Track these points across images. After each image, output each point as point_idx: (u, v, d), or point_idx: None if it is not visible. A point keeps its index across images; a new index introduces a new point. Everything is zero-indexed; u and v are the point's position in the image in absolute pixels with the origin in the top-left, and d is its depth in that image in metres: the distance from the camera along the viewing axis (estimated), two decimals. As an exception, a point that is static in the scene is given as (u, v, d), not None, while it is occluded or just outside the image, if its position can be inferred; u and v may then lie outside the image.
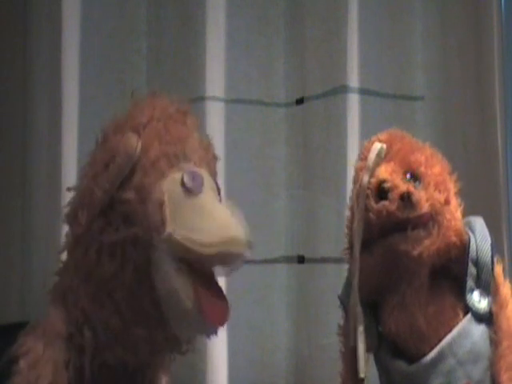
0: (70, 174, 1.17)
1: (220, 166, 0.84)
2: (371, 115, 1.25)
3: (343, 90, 1.23)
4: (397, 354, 0.82)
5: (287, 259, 1.29)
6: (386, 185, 0.77)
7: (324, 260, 1.23)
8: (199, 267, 0.68)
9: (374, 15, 1.28)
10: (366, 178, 0.79)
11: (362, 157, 0.82)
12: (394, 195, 0.77)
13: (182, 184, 0.69)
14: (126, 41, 1.27)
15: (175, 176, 0.70)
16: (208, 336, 0.72)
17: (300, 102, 1.30)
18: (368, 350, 0.84)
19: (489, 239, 0.81)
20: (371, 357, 0.86)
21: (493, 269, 0.80)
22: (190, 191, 0.69)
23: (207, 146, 0.77)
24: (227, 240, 0.68)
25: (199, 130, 0.78)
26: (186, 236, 0.66)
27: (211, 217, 0.69)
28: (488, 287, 0.80)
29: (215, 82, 1.23)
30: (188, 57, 1.24)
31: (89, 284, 0.70)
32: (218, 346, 1.18)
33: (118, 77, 1.26)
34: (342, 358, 0.86)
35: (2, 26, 1.25)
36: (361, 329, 0.81)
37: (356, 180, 0.81)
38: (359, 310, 0.81)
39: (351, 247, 0.82)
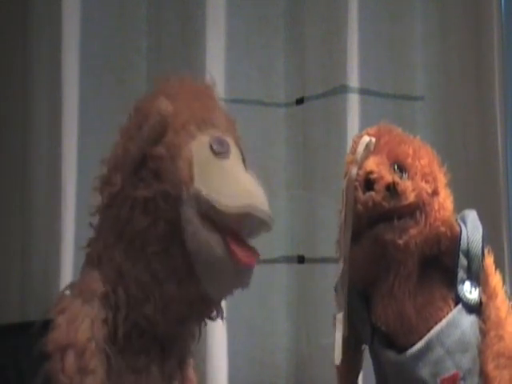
0: (70, 174, 1.17)
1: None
2: (371, 115, 1.25)
3: (343, 89, 1.23)
4: (388, 345, 0.82)
5: (287, 259, 1.29)
6: (373, 176, 0.78)
7: (324, 260, 1.23)
8: (224, 226, 0.70)
9: (373, 15, 1.28)
10: (354, 171, 0.80)
11: (352, 150, 0.83)
12: (379, 186, 0.78)
13: (211, 147, 0.72)
14: (125, 41, 1.27)
15: (203, 139, 0.72)
16: (239, 285, 0.76)
17: (300, 101, 1.30)
18: (362, 341, 0.86)
19: (480, 230, 0.81)
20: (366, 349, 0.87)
21: (483, 260, 0.81)
22: (217, 154, 0.71)
23: (231, 121, 0.78)
24: (250, 204, 0.69)
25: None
26: (212, 195, 0.69)
27: (236, 181, 0.71)
28: (479, 278, 0.81)
29: (215, 82, 1.23)
30: (188, 57, 1.25)
31: (122, 241, 0.72)
32: (218, 346, 1.18)
33: (118, 77, 1.26)
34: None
35: (2, 26, 1.25)
36: (340, 316, 0.82)
37: (346, 173, 0.82)
38: (341, 298, 0.82)
39: (342, 239, 0.83)
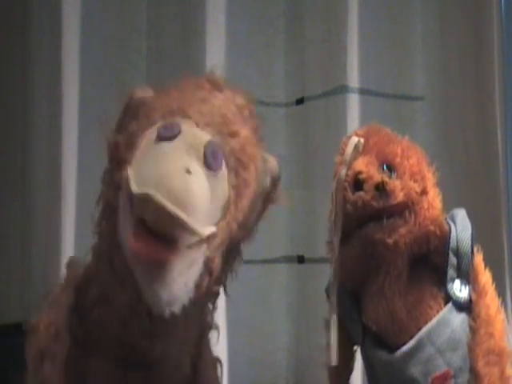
0: (70, 174, 1.17)
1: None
2: (371, 115, 1.24)
3: (343, 89, 1.23)
4: (379, 345, 0.82)
5: (287, 259, 1.29)
6: (362, 176, 0.79)
7: (324, 260, 1.22)
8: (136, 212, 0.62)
9: (374, 15, 1.28)
10: (343, 171, 0.81)
11: (341, 151, 0.84)
12: (368, 186, 0.78)
13: (157, 131, 0.65)
14: (125, 41, 1.27)
15: (159, 125, 0.66)
16: (158, 289, 0.62)
17: (300, 101, 1.30)
18: (353, 342, 0.86)
19: (469, 229, 0.81)
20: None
21: (473, 258, 0.81)
22: (158, 138, 0.64)
23: (226, 117, 0.69)
24: (154, 189, 0.60)
25: (241, 109, 0.74)
26: (130, 176, 0.62)
27: (159, 165, 0.62)
28: (468, 276, 0.81)
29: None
30: (188, 57, 1.25)
31: (97, 238, 0.70)
32: (218, 346, 1.18)
33: (118, 77, 1.26)
34: (326, 350, 0.87)
35: (2, 26, 1.25)
36: (334, 318, 0.82)
37: (335, 174, 0.82)
38: (334, 300, 0.82)
39: (332, 240, 0.83)
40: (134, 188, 0.60)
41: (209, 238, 0.63)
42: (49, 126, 1.19)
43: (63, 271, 0.75)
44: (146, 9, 1.29)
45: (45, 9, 1.21)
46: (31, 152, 1.21)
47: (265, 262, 1.28)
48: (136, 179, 0.61)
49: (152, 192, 0.59)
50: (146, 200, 0.59)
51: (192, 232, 0.60)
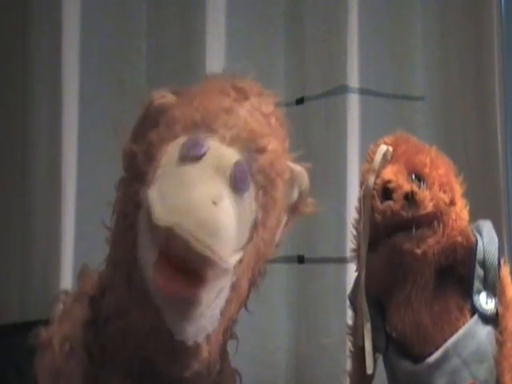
0: (70, 174, 1.17)
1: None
2: (371, 115, 1.25)
3: (343, 89, 1.23)
4: (403, 355, 0.82)
5: (287, 259, 1.29)
6: (391, 185, 0.78)
7: (324, 260, 1.23)
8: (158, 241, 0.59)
9: (374, 15, 1.28)
10: (371, 180, 0.80)
11: (369, 159, 0.83)
12: (398, 195, 0.78)
13: (180, 149, 0.61)
14: (125, 41, 1.28)
15: (181, 140, 0.62)
16: (180, 316, 0.60)
17: (300, 101, 1.30)
18: (376, 350, 0.85)
19: (496, 241, 0.81)
20: (380, 358, 0.86)
21: (499, 270, 0.81)
22: (182, 158, 0.60)
23: (252, 129, 0.64)
24: (179, 222, 0.57)
25: (268, 117, 0.69)
26: (153, 202, 0.58)
27: (183, 193, 0.59)
28: (495, 289, 0.80)
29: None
30: (188, 57, 1.25)
31: (112, 248, 0.67)
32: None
33: (118, 77, 1.26)
34: (351, 357, 0.86)
35: (1, 26, 1.25)
36: (368, 326, 0.82)
37: (362, 182, 0.82)
38: (365, 308, 0.82)
39: (359, 248, 0.83)
40: (159, 219, 0.57)
41: (236, 264, 0.61)
42: (49, 126, 1.19)
43: (64, 277, 0.72)
44: (146, 9, 1.29)
45: (45, 9, 1.21)
46: (31, 152, 1.21)
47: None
48: (159, 206, 0.58)
49: (177, 226, 0.56)
50: (171, 235, 0.56)
51: (219, 267, 0.58)
